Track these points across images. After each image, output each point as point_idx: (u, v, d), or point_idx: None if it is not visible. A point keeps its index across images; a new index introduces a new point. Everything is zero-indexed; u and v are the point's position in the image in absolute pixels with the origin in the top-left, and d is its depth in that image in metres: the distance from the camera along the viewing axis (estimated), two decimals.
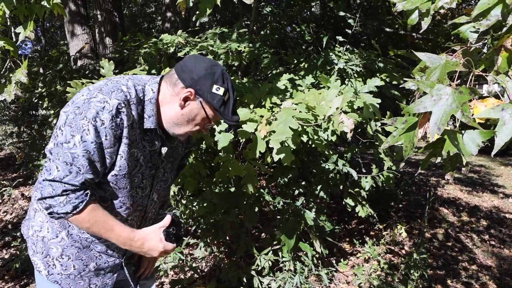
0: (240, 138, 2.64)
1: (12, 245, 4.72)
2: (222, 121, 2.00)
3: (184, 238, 1.77)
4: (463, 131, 1.26)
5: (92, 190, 1.51)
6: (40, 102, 5.43)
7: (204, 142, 3.27)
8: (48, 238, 1.65)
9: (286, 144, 2.42)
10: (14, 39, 2.61)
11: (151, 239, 1.64)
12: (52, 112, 5.40)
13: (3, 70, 2.69)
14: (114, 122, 1.43)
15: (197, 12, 2.33)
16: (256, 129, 2.56)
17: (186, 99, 1.57)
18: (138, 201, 1.70)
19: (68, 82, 5.34)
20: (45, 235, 1.65)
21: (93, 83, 2.00)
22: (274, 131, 2.29)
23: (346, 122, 2.13)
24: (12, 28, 2.64)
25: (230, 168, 2.91)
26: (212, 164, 3.53)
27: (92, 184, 1.50)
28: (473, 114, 1.22)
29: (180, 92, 1.57)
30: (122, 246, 1.60)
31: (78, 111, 1.42)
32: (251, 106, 2.91)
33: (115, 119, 1.44)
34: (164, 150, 1.71)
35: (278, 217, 3.92)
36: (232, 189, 3.78)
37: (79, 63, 6.14)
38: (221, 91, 1.56)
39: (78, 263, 1.66)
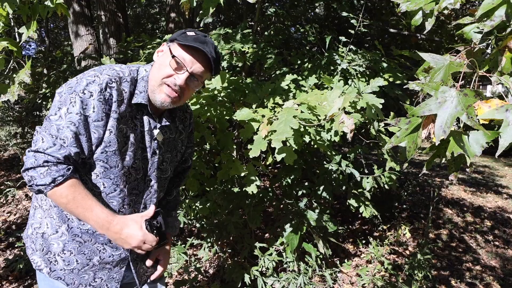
0: (242, 138, 2.64)
1: (16, 246, 4.73)
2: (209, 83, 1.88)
3: (165, 240, 1.70)
4: (467, 132, 1.26)
5: (76, 167, 1.49)
6: (44, 103, 5.44)
7: (207, 143, 3.27)
8: (48, 234, 1.61)
9: (288, 144, 2.41)
10: (17, 40, 2.62)
11: (130, 225, 1.55)
12: None
13: (7, 70, 2.70)
14: (103, 95, 1.45)
15: (201, 12, 2.33)
16: (257, 129, 2.56)
17: (159, 52, 1.63)
18: (133, 183, 1.66)
19: None
20: (44, 231, 1.62)
21: None
22: (275, 131, 2.28)
23: (347, 122, 2.12)
24: (16, 28, 2.64)
25: (231, 168, 2.91)
26: (216, 165, 3.53)
27: (76, 162, 1.48)
28: (477, 116, 1.21)
29: (159, 51, 1.64)
30: (100, 230, 1.51)
31: (69, 89, 1.45)
32: (254, 106, 2.91)
33: (104, 92, 1.45)
34: (156, 131, 1.67)
35: (282, 217, 3.91)
36: (236, 190, 3.78)
37: (83, 63, 6.15)
38: (192, 33, 1.57)
39: (81, 257, 1.62)
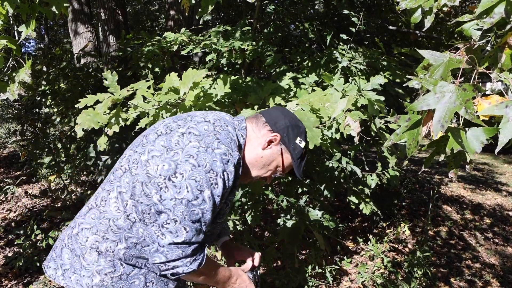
0: None
1: (15, 243, 4.73)
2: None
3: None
4: (466, 129, 1.25)
5: None
6: (43, 100, 5.44)
7: None
8: (127, 273, 1.54)
9: None
10: (16, 38, 2.61)
11: (243, 276, 1.67)
12: (55, 110, 5.41)
13: (6, 68, 2.69)
14: (236, 174, 1.44)
15: (200, 10, 2.33)
16: None
17: (270, 142, 1.60)
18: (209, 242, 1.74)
19: (70, 80, 5.37)
20: (122, 272, 1.53)
21: (99, 86, 1.98)
22: None
23: (353, 125, 2.11)
24: (15, 26, 2.64)
25: None
26: None
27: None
28: (476, 111, 1.21)
29: (266, 135, 1.61)
30: (220, 285, 1.59)
31: (198, 162, 1.36)
32: (255, 107, 2.91)
33: (238, 172, 1.45)
34: None
35: (282, 215, 3.92)
36: (239, 192, 3.79)
37: (83, 61, 6.15)
38: (302, 144, 1.63)
39: (161, 284, 1.61)
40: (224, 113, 1.66)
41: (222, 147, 1.40)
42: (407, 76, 1.37)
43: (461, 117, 1.20)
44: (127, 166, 1.51)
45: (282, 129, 1.60)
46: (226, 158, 1.39)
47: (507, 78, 1.27)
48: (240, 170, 1.47)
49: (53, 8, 2.50)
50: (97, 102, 2.46)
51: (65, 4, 2.53)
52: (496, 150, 1.19)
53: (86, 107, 2.47)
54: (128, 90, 2.47)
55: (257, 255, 1.86)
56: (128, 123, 2.58)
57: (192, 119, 1.53)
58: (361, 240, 5.08)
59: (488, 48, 1.45)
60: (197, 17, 2.56)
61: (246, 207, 3.80)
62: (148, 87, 2.61)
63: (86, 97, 2.48)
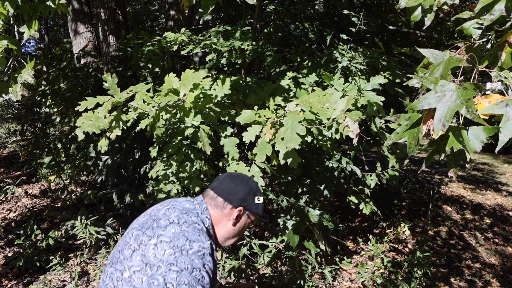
0: (244, 140, 2.65)
1: (15, 243, 4.73)
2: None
3: None
4: (467, 128, 1.25)
5: None
6: (43, 100, 5.44)
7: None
8: None
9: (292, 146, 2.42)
10: (17, 38, 2.61)
11: None
12: (55, 110, 5.41)
13: (6, 69, 2.69)
14: (213, 259, 1.57)
15: (200, 10, 2.33)
16: (261, 132, 2.56)
17: (238, 217, 1.79)
18: None
19: (70, 80, 5.37)
20: None
21: (99, 86, 1.97)
22: (282, 138, 2.29)
23: (352, 126, 2.11)
24: (15, 26, 2.64)
25: (236, 170, 2.94)
26: (216, 163, 3.54)
27: None
28: (477, 110, 1.21)
29: (231, 213, 1.78)
30: None
31: (180, 267, 1.45)
32: (255, 107, 2.91)
33: (214, 256, 1.59)
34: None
35: (282, 215, 3.91)
36: None
37: (83, 61, 6.15)
38: (261, 200, 1.84)
39: None
40: (184, 201, 1.79)
41: (194, 245, 1.52)
42: (408, 75, 1.37)
43: (461, 116, 1.20)
44: (111, 285, 1.60)
45: (241, 200, 1.77)
46: (201, 253, 1.51)
47: (508, 76, 1.27)
48: (215, 255, 1.61)
49: (49, 3, 2.49)
50: (97, 104, 2.47)
51: (62, 1, 2.53)
52: (497, 149, 1.19)
53: (86, 110, 2.47)
54: (127, 93, 2.47)
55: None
56: (128, 124, 2.58)
57: (158, 223, 1.62)
58: (361, 240, 5.07)
59: (488, 46, 1.45)
60: (197, 17, 2.56)
61: None
62: (148, 90, 2.61)
63: (86, 99, 2.49)
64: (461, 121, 1.25)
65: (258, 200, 1.82)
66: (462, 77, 1.29)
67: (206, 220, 1.72)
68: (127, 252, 1.59)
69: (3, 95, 2.53)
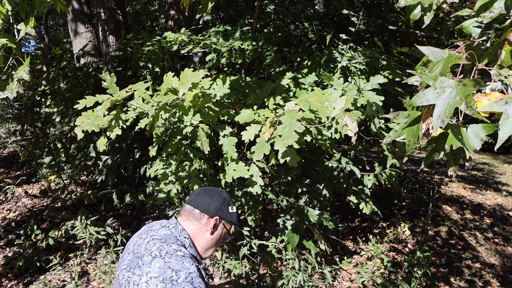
0: (244, 139, 2.64)
1: (15, 243, 4.73)
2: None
3: None
4: (466, 126, 1.25)
5: None
6: (43, 100, 5.44)
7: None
8: None
9: (291, 144, 2.42)
10: (17, 38, 2.61)
11: None
12: (55, 110, 5.41)
13: (6, 67, 2.69)
14: (201, 276, 1.65)
15: (200, 7, 2.33)
16: (260, 131, 2.56)
17: (215, 226, 1.89)
18: None
19: (70, 79, 5.37)
20: None
21: (99, 85, 1.97)
22: (280, 135, 2.30)
23: (350, 125, 2.11)
24: (15, 25, 2.64)
25: (235, 170, 2.94)
26: (216, 162, 3.54)
27: None
28: (476, 108, 1.21)
29: (208, 223, 1.89)
30: None
31: None
32: (255, 107, 2.91)
33: (202, 273, 1.67)
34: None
35: (282, 215, 3.91)
36: (236, 189, 3.79)
37: (82, 61, 6.15)
38: (234, 209, 1.98)
39: None
40: (159, 227, 1.85)
41: (181, 274, 1.59)
42: (407, 71, 1.36)
43: (461, 114, 1.20)
44: None
45: (217, 210, 1.89)
46: (189, 278, 1.59)
47: (507, 74, 1.26)
48: (203, 274, 1.70)
49: None
50: (97, 103, 2.47)
51: (63, 2, 2.53)
52: (496, 147, 1.19)
53: (85, 108, 2.48)
54: (126, 91, 2.47)
55: None
56: (128, 123, 2.58)
57: (142, 261, 1.67)
58: (361, 240, 5.07)
59: (488, 45, 1.45)
60: (197, 17, 2.56)
61: (246, 207, 3.80)
62: (147, 89, 2.61)
63: (86, 98, 2.49)
64: (461, 119, 1.24)
65: (232, 210, 1.95)
66: (462, 76, 1.29)
67: (186, 240, 1.81)
68: None
69: (1, 92, 2.53)
